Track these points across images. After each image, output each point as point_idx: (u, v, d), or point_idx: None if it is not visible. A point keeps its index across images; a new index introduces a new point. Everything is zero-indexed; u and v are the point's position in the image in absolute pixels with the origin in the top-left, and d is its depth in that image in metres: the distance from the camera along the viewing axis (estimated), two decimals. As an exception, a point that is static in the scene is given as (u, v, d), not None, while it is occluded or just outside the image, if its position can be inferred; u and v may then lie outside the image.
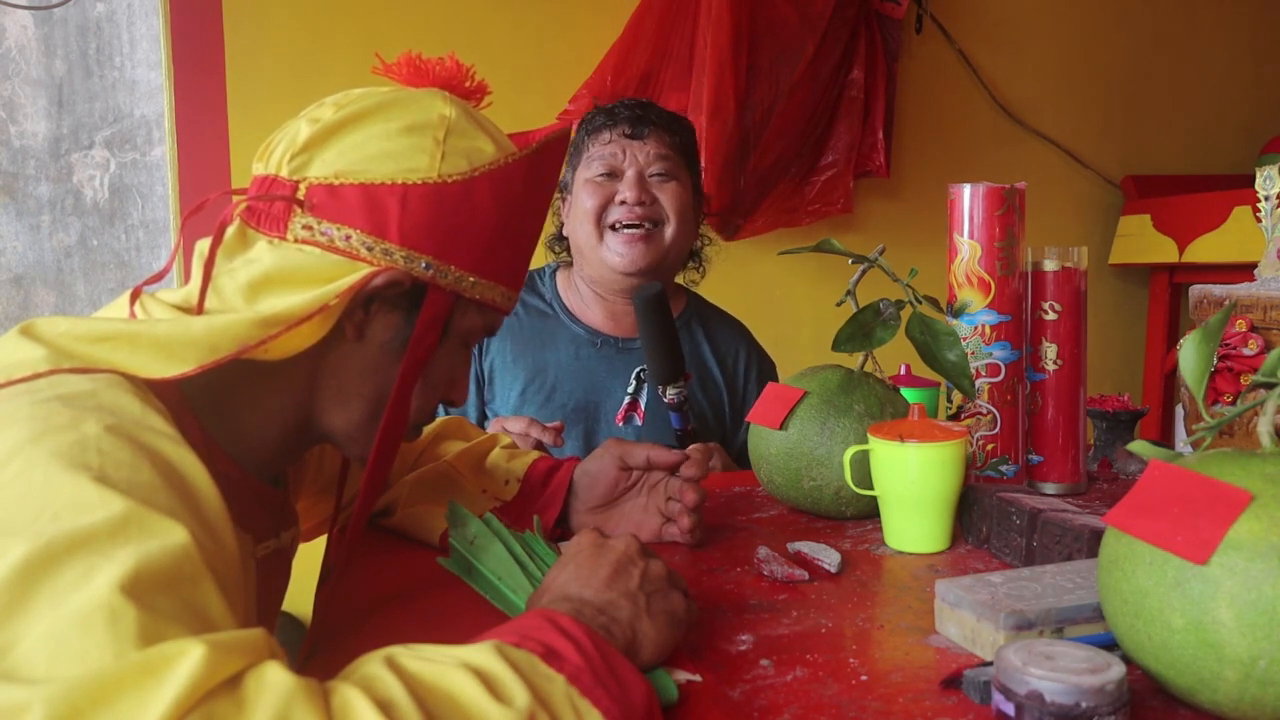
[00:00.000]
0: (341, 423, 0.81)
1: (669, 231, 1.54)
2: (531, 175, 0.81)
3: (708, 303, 1.71)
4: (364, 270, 0.73)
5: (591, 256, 1.54)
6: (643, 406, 1.55)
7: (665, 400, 1.35)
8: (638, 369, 1.55)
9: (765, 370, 1.67)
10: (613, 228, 1.51)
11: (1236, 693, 0.57)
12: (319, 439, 0.84)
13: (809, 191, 2.45)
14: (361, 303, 0.76)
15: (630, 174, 1.52)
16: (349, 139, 0.75)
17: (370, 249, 0.74)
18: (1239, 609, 0.56)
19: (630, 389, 1.56)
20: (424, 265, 0.75)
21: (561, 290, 1.62)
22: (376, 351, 0.79)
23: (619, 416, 1.53)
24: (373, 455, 0.80)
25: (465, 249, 0.77)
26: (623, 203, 1.51)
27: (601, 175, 1.53)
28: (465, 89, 0.83)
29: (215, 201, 0.80)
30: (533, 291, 1.63)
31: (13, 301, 2.16)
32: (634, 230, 1.51)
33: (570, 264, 1.63)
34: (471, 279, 0.78)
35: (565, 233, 1.61)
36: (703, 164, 2.25)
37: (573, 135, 1.63)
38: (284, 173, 0.75)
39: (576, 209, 1.54)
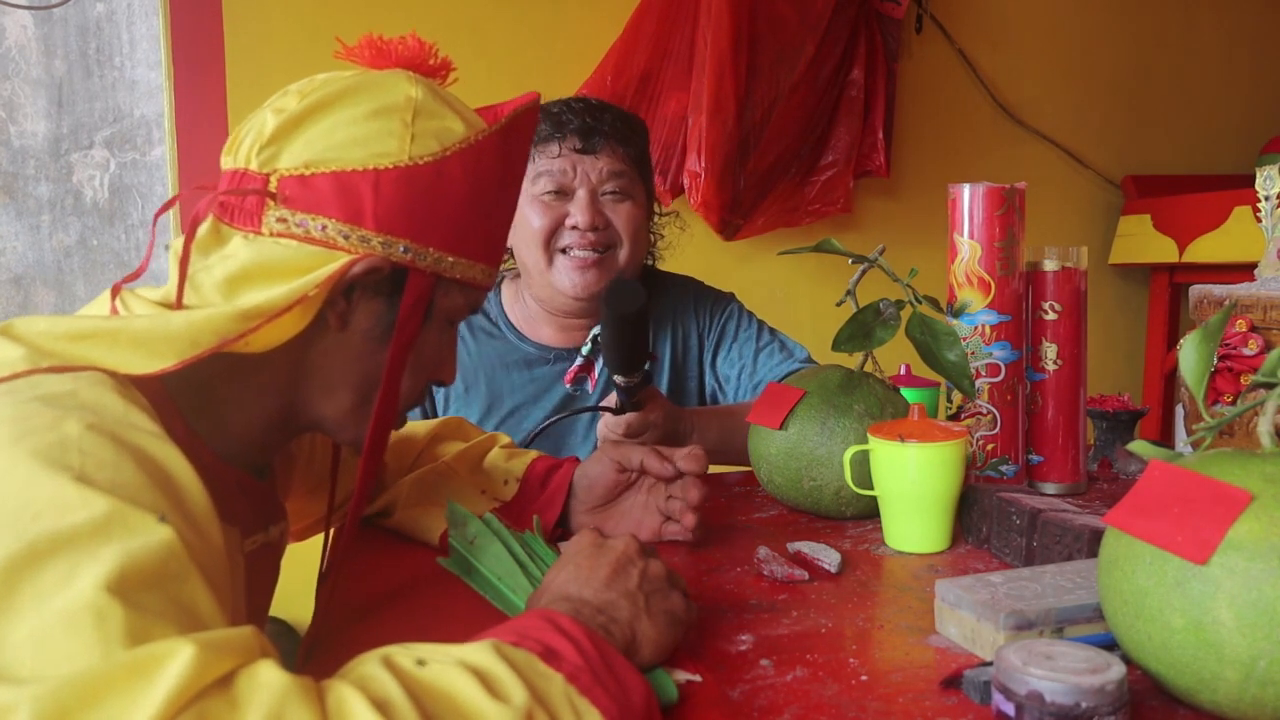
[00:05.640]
0: (330, 411, 0.81)
1: (622, 254, 1.43)
2: (503, 150, 0.81)
3: (653, 284, 1.55)
4: (342, 259, 0.73)
5: (540, 279, 1.44)
6: (596, 374, 1.46)
7: (615, 381, 1.24)
8: (594, 331, 1.45)
9: (717, 311, 1.56)
10: (563, 251, 1.41)
11: (1236, 693, 0.57)
12: (306, 428, 0.84)
13: (809, 191, 2.45)
14: (343, 291, 0.75)
15: (582, 194, 1.40)
16: (316, 127, 0.74)
17: (347, 237, 0.73)
18: (1239, 609, 0.56)
19: (586, 349, 1.47)
20: (402, 249, 0.75)
21: (508, 306, 1.53)
22: (361, 339, 0.78)
23: (568, 377, 1.44)
24: (367, 442, 0.79)
25: (442, 230, 0.77)
26: (574, 227, 1.40)
27: (549, 193, 1.40)
28: (429, 67, 0.82)
29: (188, 199, 0.80)
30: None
31: (12, 301, 2.16)
32: (585, 255, 1.40)
33: (517, 275, 1.52)
34: (450, 259, 0.78)
35: (510, 244, 1.48)
36: (703, 164, 2.25)
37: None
38: (253, 166, 0.74)
39: (522, 226, 1.42)
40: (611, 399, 1.25)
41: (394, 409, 0.80)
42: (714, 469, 1.36)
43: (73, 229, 2.19)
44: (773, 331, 1.57)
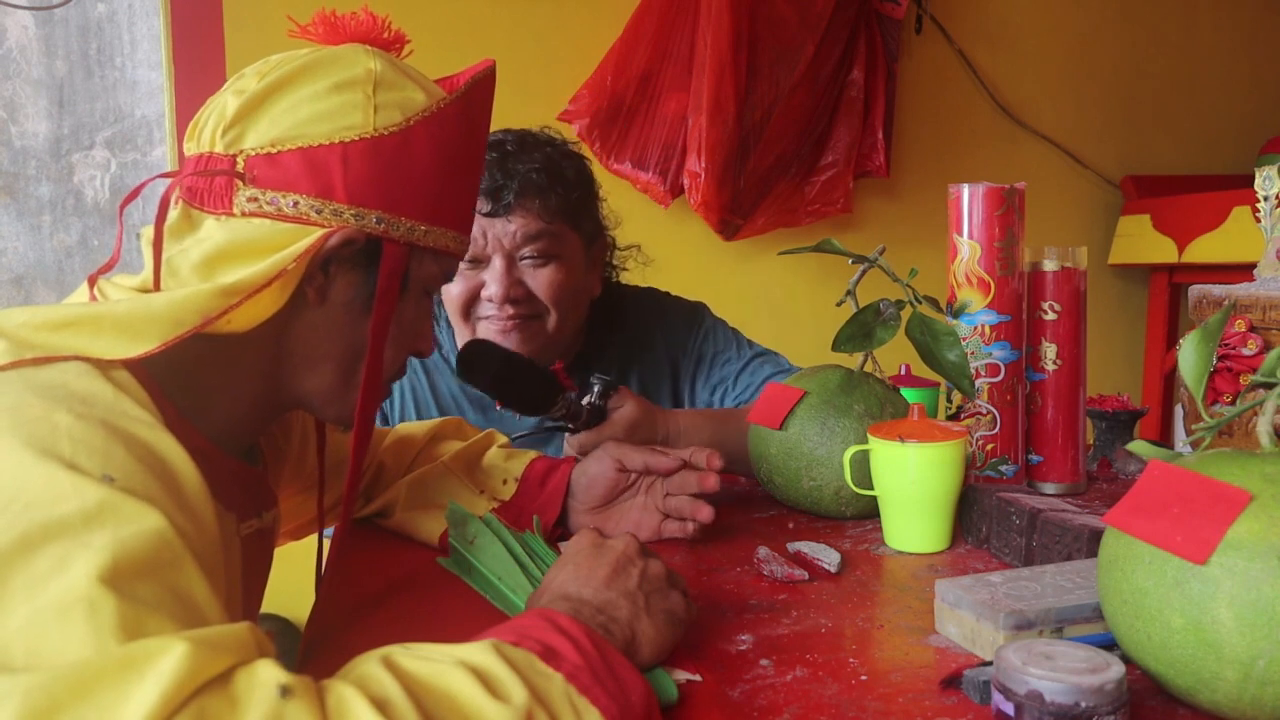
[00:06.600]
0: (314, 386, 0.81)
1: (550, 321, 1.29)
2: (465, 117, 0.81)
3: (614, 305, 1.44)
4: (317, 233, 0.73)
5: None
6: None
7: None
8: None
9: (692, 333, 1.45)
10: (485, 318, 1.29)
11: (1236, 692, 0.57)
12: (291, 405, 0.84)
13: (809, 191, 2.45)
14: (320, 265, 0.76)
15: (496, 263, 1.25)
16: (279, 105, 0.75)
17: (319, 211, 0.74)
18: (1238, 609, 0.56)
19: None
20: (375, 220, 0.76)
21: (460, 342, 1.38)
22: (341, 312, 0.79)
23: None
24: (357, 415, 0.80)
25: (412, 199, 0.77)
26: (490, 299, 1.27)
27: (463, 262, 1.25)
28: (384, 40, 0.82)
29: (153, 189, 0.80)
30: None
31: (13, 301, 2.16)
32: (506, 324, 1.28)
33: None
34: (423, 228, 0.79)
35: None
36: (703, 164, 2.25)
37: None
38: (219, 148, 0.75)
39: (443, 291, 1.31)
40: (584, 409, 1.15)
41: (379, 380, 0.81)
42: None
43: (74, 229, 2.19)
44: (751, 344, 1.47)
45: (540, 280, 1.28)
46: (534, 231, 1.26)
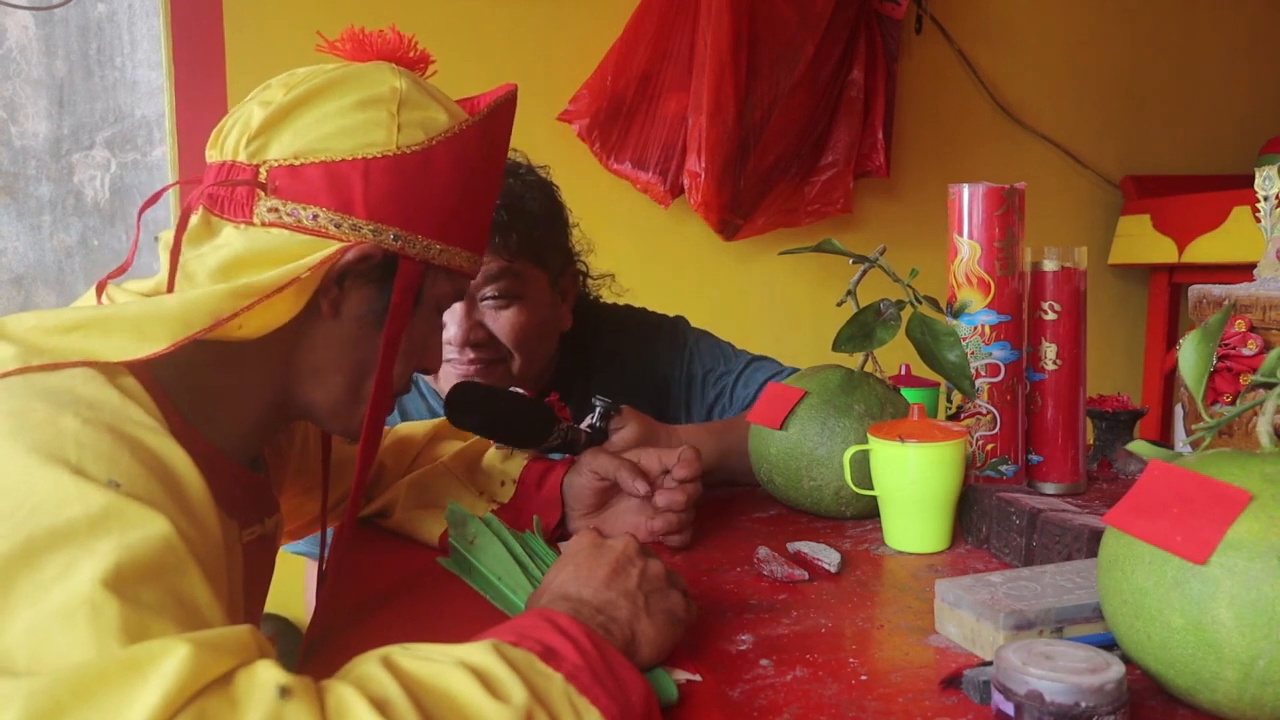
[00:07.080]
0: (321, 398, 0.81)
1: (515, 364, 1.26)
2: (485, 139, 0.82)
3: (590, 327, 1.40)
4: (334, 246, 0.74)
5: (433, 381, 1.30)
6: None
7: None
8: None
9: (677, 354, 1.43)
10: (447, 360, 1.25)
11: (1236, 692, 0.57)
12: (297, 416, 0.85)
13: (809, 191, 2.45)
14: (335, 278, 0.76)
15: (456, 305, 1.18)
16: (304, 118, 0.75)
17: (338, 225, 0.74)
18: (1238, 609, 0.56)
19: None
20: (392, 237, 0.76)
21: (431, 379, 1.35)
22: (354, 326, 0.79)
23: None
24: (364, 428, 0.81)
25: (430, 218, 0.78)
26: (449, 342, 1.22)
27: None
28: (409, 59, 0.83)
29: (172, 194, 0.80)
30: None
31: (13, 302, 2.16)
32: (467, 368, 1.24)
33: None
34: (438, 246, 0.79)
35: None
36: (703, 164, 2.25)
37: None
38: (242, 157, 0.75)
39: None
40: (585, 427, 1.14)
41: (388, 395, 0.81)
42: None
43: (74, 229, 2.19)
44: (738, 352, 1.45)
45: (502, 323, 1.24)
46: (494, 271, 1.22)
